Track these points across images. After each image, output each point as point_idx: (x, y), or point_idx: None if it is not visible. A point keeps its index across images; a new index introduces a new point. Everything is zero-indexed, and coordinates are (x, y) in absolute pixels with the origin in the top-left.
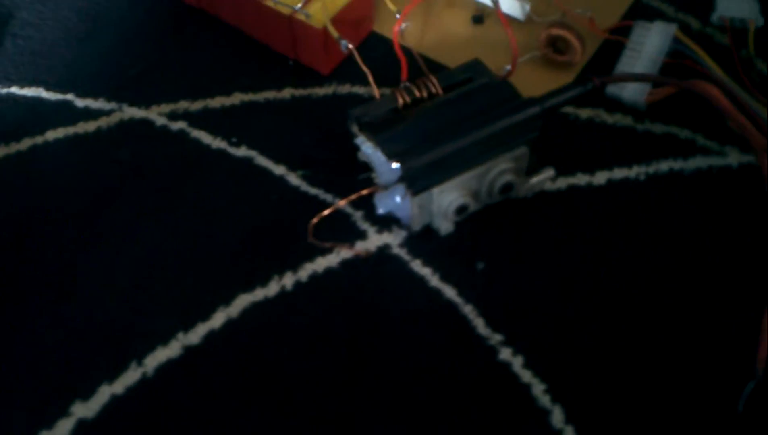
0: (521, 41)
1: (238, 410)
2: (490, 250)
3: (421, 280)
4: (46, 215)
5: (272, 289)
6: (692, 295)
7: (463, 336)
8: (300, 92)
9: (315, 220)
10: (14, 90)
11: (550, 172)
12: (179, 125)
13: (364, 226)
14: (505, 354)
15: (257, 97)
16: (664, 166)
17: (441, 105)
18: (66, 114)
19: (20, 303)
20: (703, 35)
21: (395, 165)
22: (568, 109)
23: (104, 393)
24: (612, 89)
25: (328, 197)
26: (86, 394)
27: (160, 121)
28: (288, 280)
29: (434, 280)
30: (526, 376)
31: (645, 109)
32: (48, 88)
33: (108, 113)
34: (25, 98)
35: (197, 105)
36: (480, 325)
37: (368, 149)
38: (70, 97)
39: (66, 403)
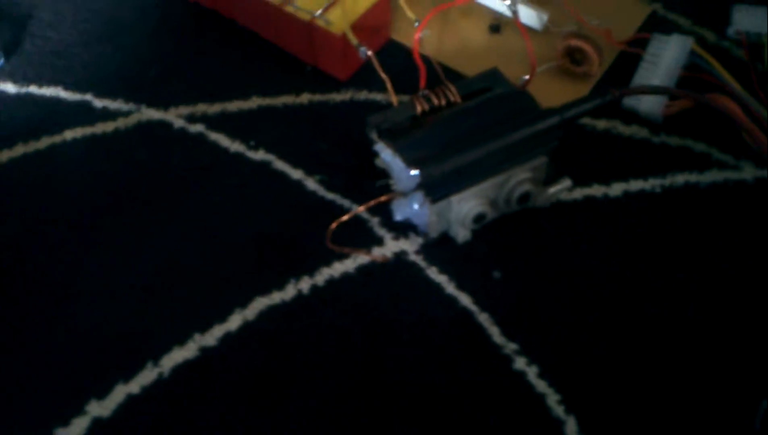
0: (538, 51)
1: (253, 412)
2: (507, 259)
3: (437, 288)
4: (63, 214)
5: (289, 292)
6: (708, 308)
7: (478, 344)
8: (318, 98)
9: (334, 225)
10: (33, 89)
11: (567, 183)
12: (197, 128)
13: (381, 232)
14: (520, 363)
15: (275, 102)
16: (680, 179)
17: (460, 113)
18: (84, 114)
19: (37, 301)
20: (719, 49)
21: (414, 172)
22: (585, 120)
23: (120, 392)
24: (629, 101)
25: (345, 203)
26: (102, 393)
27: (179, 123)
28: (305, 284)
29: (450, 288)
30: (541, 386)
31: (661, 122)
32: (66, 88)
33: (126, 114)
34: (43, 98)
35: (215, 108)
36: (495, 333)
37: (387, 156)
38: (88, 97)
39: (82, 402)
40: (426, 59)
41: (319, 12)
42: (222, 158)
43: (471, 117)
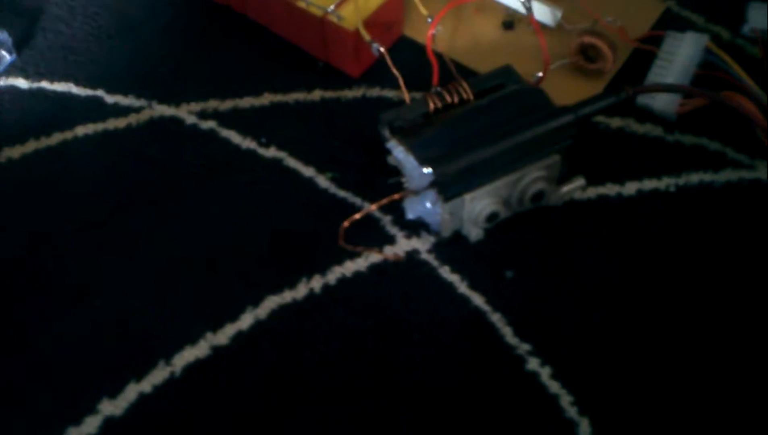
0: (551, 48)
1: (264, 412)
2: (520, 259)
3: (449, 287)
4: (75, 210)
5: (300, 291)
6: (723, 308)
7: (490, 345)
8: (329, 94)
9: (346, 223)
10: (45, 84)
11: (581, 182)
12: (209, 124)
13: (393, 230)
14: (533, 364)
15: (287, 98)
16: (695, 178)
17: (473, 111)
18: (96, 110)
19: (49, 299)
20: (734, 46)
21: (427, 170)
22: (599, 118)
23: (132, 391)
24: (643, 99)
25: (357, 200)
26: (114, 392)
27: (190, 119)
28: (316, 283)
29: (462, 287)
30: (554, 386)
31: (675, 120)
32: (78, 84)
33: (138, 110)
34: (55, 93)
35: (227, 104)
36: (508, 333)
37: (400, 154)
38: (100, 93)
39: (94, 400)
40: (439, 56)
41: (331, 8)
42: (233, 155)
43: (484, 114)
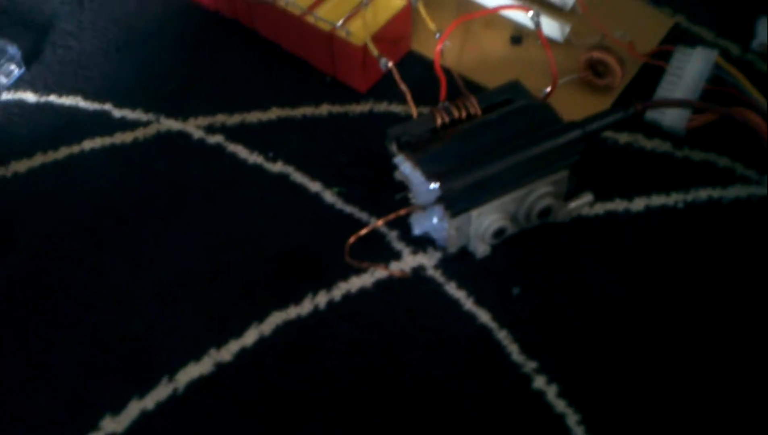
0: (559, 63)
1: (266, 431)
2: (527, 275)
3: (455, 303)
4: (80, 224)
5: (305, 307)
6: (732, 326)
7: (496, 362)
8: (337, 109)
9: (352, 239)
10: (53, 98)
11: (588, 197)
12: (216, 139)
13: (399, 246)
14: (540, 382)
15: (294, 113)
16: (703, 194)
17: (480, 126)
18: (103, 124)
19: (52, 313)
20: (744, 62)
21: (434, 186)
22: (607, 134)
23: (134, 408)
24: (652, 114)
25: (363, 216)
26: (116, 409)
27: (198, 134)
28: (321, 298)
29: (468, 304)
30: (561, 405)
31: (684, 136)
32: (86, 98)
33: (145, 124)
34: (63, 107)
35: (234, 119)
36: (515, 351)
37: (406, 169)
38: (107, 107)
39: (96, 417)
40: (447, 71)
41: (339, 23)
42: (240, 170)
43: (492, 130)
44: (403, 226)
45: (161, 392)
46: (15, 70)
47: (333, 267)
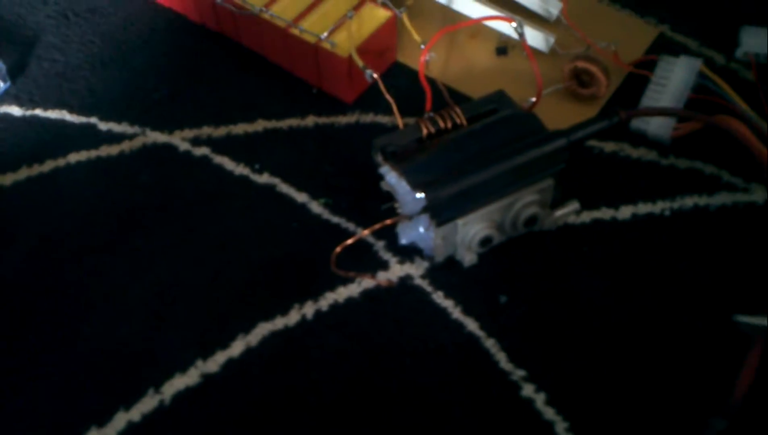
0: (544, 73)
1: None
2: (514, 283)
3: (443, 312)
4: (66, 238)
5: (293, 318)
6: (719, 333)
7: (485, 371)
8: (323, 120)
9: (338, 249)
10: (38, 112)
11: (574, 206)
12: (202, 151)
13: (386, 256)
14: (528, 390)
15: (280, 125)
16: (689, 201)
17: (466, 136)
18: (89, 137)
19: (39, 326)
20: (728, 70)
21: (420, 195)
22: (593, 143)
23: (121, 420)
24: (637, 123)
25: (350, 226)
26: (103, 421)
27: (183, 146)
28: (309, 309)
29: (456, 313)
30: (549, 413)
31: (669, 144)
32: (72, 111)
33: (131, 137)
34: (49, 120)
35: (220, 131)
36: (502, 359)
37: (392, 179)
38: (93, 120)
39: (82, 429)
40: (432, 81)
41: (325, 35)
42: (226, 181)
43: (477, 139)
44: (389, 235)
45: (148, 404)
46: (0, 84)
47: (320, 277)
